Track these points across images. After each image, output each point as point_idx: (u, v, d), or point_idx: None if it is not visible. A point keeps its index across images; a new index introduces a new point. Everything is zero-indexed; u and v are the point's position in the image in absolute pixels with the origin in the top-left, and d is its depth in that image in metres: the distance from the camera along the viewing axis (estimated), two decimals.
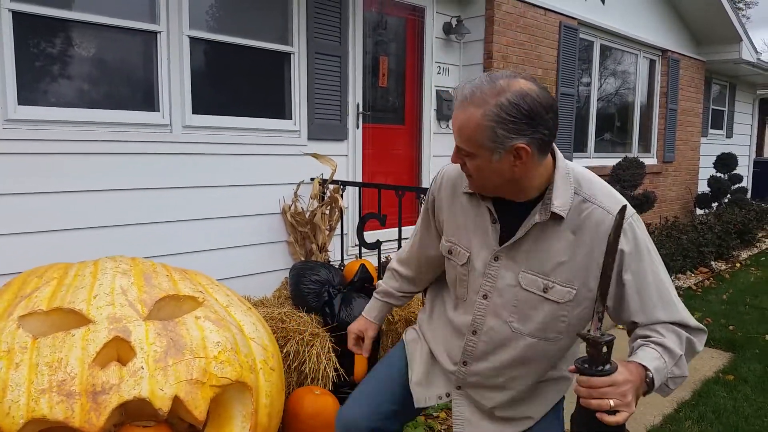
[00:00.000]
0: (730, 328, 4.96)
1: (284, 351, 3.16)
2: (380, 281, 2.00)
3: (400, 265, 1.92)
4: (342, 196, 4.31)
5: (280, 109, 4.46)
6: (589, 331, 1.27)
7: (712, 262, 7.45)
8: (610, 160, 7.07)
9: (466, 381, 1.68)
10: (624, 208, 1.35)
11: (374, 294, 1.98)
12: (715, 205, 9.62)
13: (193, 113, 3.89)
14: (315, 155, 4.28)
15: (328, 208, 4.27)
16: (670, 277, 6.15)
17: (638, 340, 1.43)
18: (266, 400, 2.33)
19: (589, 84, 7.49)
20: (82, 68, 3.52)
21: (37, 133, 3.25)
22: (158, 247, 3.71)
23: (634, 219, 1.46)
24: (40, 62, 3.34)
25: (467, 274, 1.60)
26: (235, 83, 4.23)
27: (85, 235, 3.45)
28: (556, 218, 1.46)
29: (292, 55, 4.43)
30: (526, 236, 1.50)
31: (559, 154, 1.51)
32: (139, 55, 3.74)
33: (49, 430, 2.24)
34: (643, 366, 1.31)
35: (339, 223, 4.39)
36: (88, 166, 3.44)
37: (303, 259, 4.31)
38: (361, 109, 4.94)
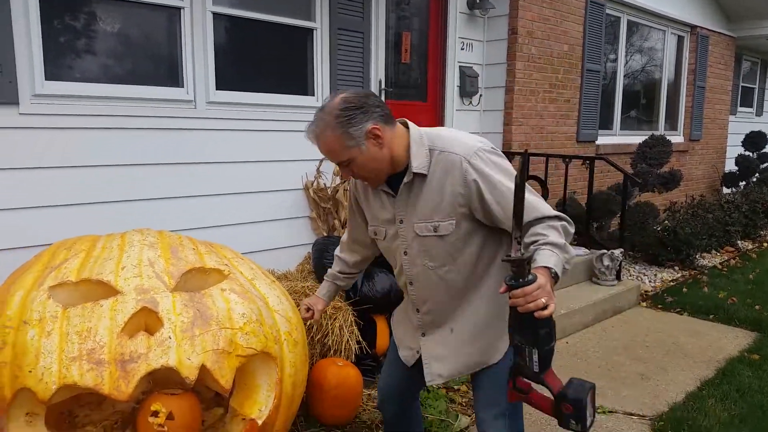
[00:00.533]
0: (756, 307, 4.90)
1: (308, 323, 3.20)
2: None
3: (341, 252, 2.28)
4: None
5: (303, 86, 4.45)
6: (509, 255, 1.51)
7: (739, 242, 7.34)
8: (636, 138, 6.96)
9: (425, 324, 2.01)
10: (478, 151, 1.73)
11: (324, 277, 2.33)
12: (742, 184, 9.44)
13: (216, 89, 3.90)
14: None
15: (348, 182, 4.27)
16: (696, 255, 6.00)
17: (531, 247, 1.68)
18: (291, 370, 2.36)
19: (615, 60, 7.35)
20: (107, 44, 3.54)
21: (64, 108, 3.29)
22: (183, 221, 3.75)
23: (478, 153, 1.75)
24: (66, 38, 3.37)
25: (390, 244, 1.97)
26: (259, 59, 4.23)
27: (111, 209, 3.50)
28: (421, 176, 1.80)
29: (314, 31, 4.41)
30: (407, 195, 1.85)
31: (411, 125, 1.84)
32: (163, 31, 3.75)
33: (79, 397, 2.32)
34: (547, 267, 1.59)
35: None
36: (113, 141, 3.48)
37: (325, 234, 4.33)
38: (383, 86, 4.91)
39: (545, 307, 1.49)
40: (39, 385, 1.95)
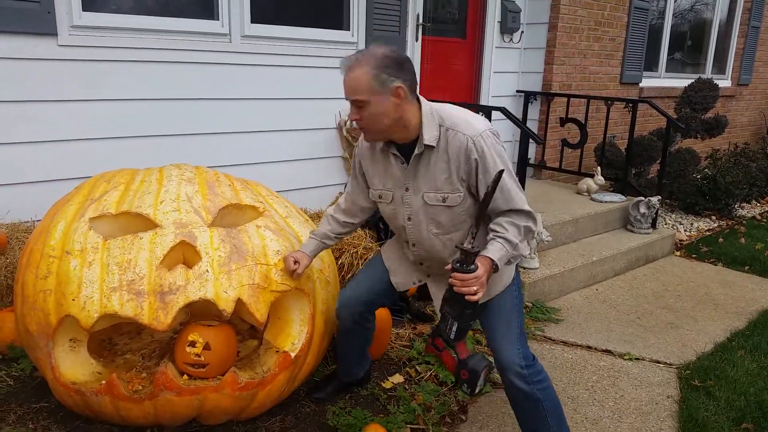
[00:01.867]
0: None
1: (339, 263, 3.24)
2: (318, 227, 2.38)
3: (337, 213, 2.33)
4: None
5: (339, 20, 4.35)
6: (463, 243, 1.81)
7: None
8: (682, 81, 6.67)
9: (430, 272, 2.23)
10: (484, 134, 1.90)
11: (311, 234, 2.33)
12: None
13: (251, 22, 3.84)
14: None
15: None
16: (736, 204, 5.92)
17: (490, 234, 1.92)
18: (323, 307, 2.41)
19: None
20: None
21: (101, 39, 3.28)
22: (218, 157, 3.78)
23: (483, 136, 1.91)
24: None
25: (395, 208, 2.11)
26: None
27: (148, 143, 3.53)
28: (430, 148, 1.94)
29: None
30: (416, 165, 1.99)
31: (423, 100, 1.97)
32: None
33: (119, 326, 2.41)
34: (491, 259, 1.85)
35: None
36: (148, 75, 3.48)
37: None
38: (421, 21, 4.76)
39: (475, 294, 1.80)
40: (82, 313, 2.03)
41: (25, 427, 2.23)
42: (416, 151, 1.96)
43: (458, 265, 1.79)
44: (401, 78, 1.85)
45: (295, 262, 2.20)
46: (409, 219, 2.08)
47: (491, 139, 1.93)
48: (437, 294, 2.22)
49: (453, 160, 1.93)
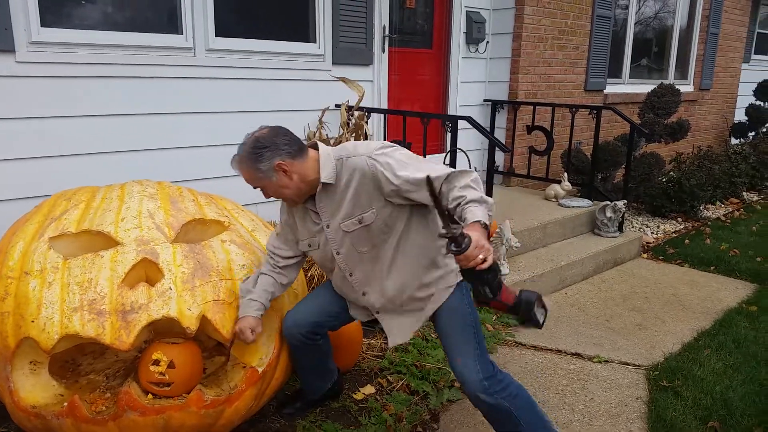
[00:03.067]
0: (758, 259, 4.90)
1: (308, 275, 3.23)
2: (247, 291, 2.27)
3: (272, 271, 2.29)
4: (367, 123, 4.27)
5: (305, 32, 4.35)
6: (445, 232, 1.75)
7: (744, 193, 7.29)
8: (646, 87, 6.81)
9: (374, 306, 2.23)
10: (376, 151, 2.01)
11: (251, 298, 2.21)
12: (751, 134, 9.29)
13: (216, 36, 3.82)
14: (344, 80, 4.21)
15: (353, 135, 4.23)
16: (701, 206, 5.99)
17: (457, 209, 1.88)
18: None
19: (626, 7, 7.13)
20: None
21: (60, 56, 3.24)
22: (182, 171, 3.74)
23: (377, 151, 2.01)
24: None
25: (323, 250, 2.19)
26: (260, 5, 4.12)
27: (109, 159, 3.48)
28: (330, 185, 2.06)
29: None
30: (326, 203, 2.10)
31: (321, 146, 2.09)
32: None
33: (82, 346, 2.36)
34: (478, 221, 1.82)
35: None
36: (111, 90, 3.43)
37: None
38: (387, 32, 4.80)
39: (484, 261, 1.76)
40: (42, 335, 1.99)
41: None
42: (318, 190, 2.07)
43: (454, 247, 1.76)
44: (277, 154, 2.00)
45: (253, 331, 2.17)
46: (338, 253, 2.15)
47: (386, 149, 2.02)
48: (392, 329, 2.26)
49: (358, 183, 2.01)
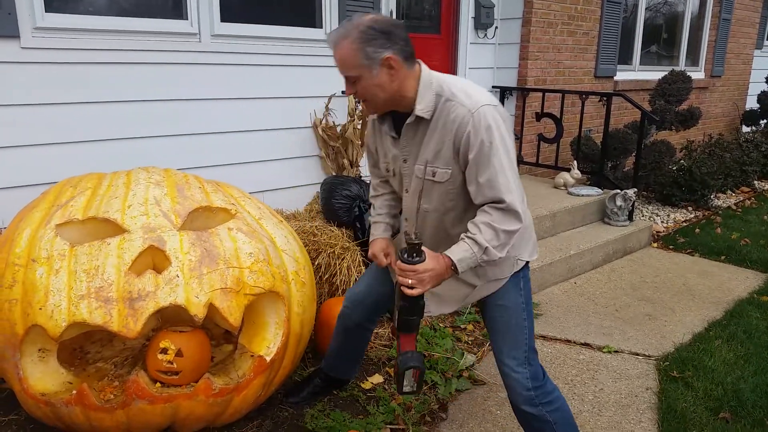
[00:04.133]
0: None
1: (316, 263, 3.21)
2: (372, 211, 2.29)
3: (378, 191, 2.26)
4: None
5: (311, 17, 4.30)
6: (410, 235, 1.74)
7: (755, 182, 7.22)
8: (656, 74, 6.73)
9: None
10: (482, 108, 1.75)
11: (373, 220, 2.22)
12: (763, 122, 9.18)
13: (221, 21, 3.78)
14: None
15: (360, 122, 4.19)
16: (711, 195, 5.88)
17: (462, 234, 1.81)
18: (298, 309, 2.38)
19: None
20: None
21: (65, 41, 3.20)
22: (189, 159, 3.72)
23: (482, 111, 1.76)
24: None
25: (398, 181, 2.04)
26: None
27: (114, 146, 3.46)
28: (425, 120, 1.83)
29: None
30: (411, 136, 1.89)
31: (424, 68, 1.86)
32: None
33: (90, 334, 2.35)
34: (449, 258, 1.76)
35: None
36: (116, 77, 3.40)
37: (334, 173, 4.28)
38: (394, 17, 4.74)
39: (411, 288, 1.73)
40: (49, 323, 1.98)
41: None
42: (408, 121, 1.86)
43: (403, 254, 1.74)
44: (391, 48, 1.74)
45: (386, 255, 2.10)
46: (407, 191, 2.00)
47: (491, 114, 1.77)
48: (428, 300, 2.09)
49: (448, 133, 1.80)
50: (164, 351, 2.07)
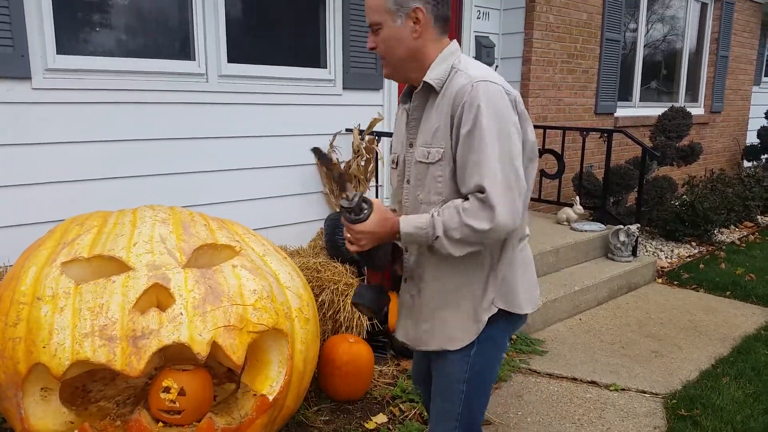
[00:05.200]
0: None
1: (319, 300, 3.20)
2: None
3: None
4: (378, 146, 4.27)
5: (316, 58, 4.39)
6: (346, 195, 1.61)
7: (759, 216, 7.22)
8: (656, 110, 6.81)
9: (407, 269, 1.82)
10: (484, 82, 1.53)
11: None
12: (764, 157, 9.23)
13: (228, 62, 3.86)
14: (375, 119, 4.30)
15: (364, 159, 4.24)
16: (715, 230, 5.80)
17: (433, 209, 1.61)
18: (302, 347, 2.37)
19: (635, 30, 7.16)
20: (118, 17, 3.50)
21: (76, 82, 3.27)
22: (194, 196, 3.75)
23: (482, 85, 1.54)
24: (78, 11, 3.33)
25: (400, 172, 1.81)
26: (271, 31, 4.17)
27: (122, 185, 3.50)
28: (434, 91, 1.64)
29: (327, 1, 4.33)
30: (420, 111, 1.69)
31: (454, 45, 1.68)
32: (174, 4, 3.70)
33: (92, 372, 2.34)
34: (398, 221, 1.61)
35: (374, 175, 4.36)
36: (125, 116, 3.46)
37: (338, 210, 4.31)
38: None
39: (351, 244, 1.64)
40: (53, 361, 1.97)
41: None
42: (417, 89, 1.68)
43: (345, 211, 1.63)
44: (423, 1, 1.60)
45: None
46: (408, 181, 1.75)
47: (493, 91, 1.54)
48: (400, 318, 1.89)
49: (447, 104, 1.60)
50: (167, 390, 2.06)
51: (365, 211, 1.60)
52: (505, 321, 1.70)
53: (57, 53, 3.21)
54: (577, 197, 5.30)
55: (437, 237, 1.56)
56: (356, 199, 1.60)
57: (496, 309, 1.66)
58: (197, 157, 3.79)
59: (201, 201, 3.75)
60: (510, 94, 1.58)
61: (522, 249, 1.72)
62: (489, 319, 1.66)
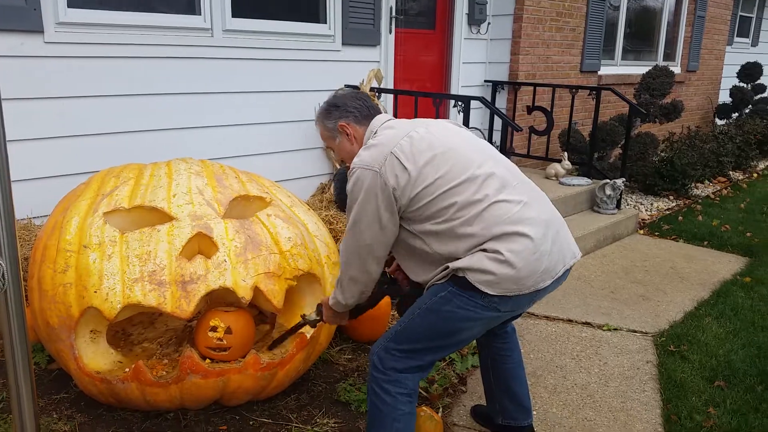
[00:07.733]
0: (747, 234, 5.14)
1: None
2: None
3: None
4: (379, 102, 4.37)
5: (316, 13, 4.43)
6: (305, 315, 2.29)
7: (731, 172, 7.55)
8: (637, 69, 7.02)
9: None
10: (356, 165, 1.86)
11: None
12: (735, 115, 9.57)
13: (233, 16, 3.89)
14: (376, 73, 4.36)
15: None
16: (691, 185, 6.01)
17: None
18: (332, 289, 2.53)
19: None
20: None
21: (86, 36, 3.29)
22: (200, 151, 3.82)
23: (354, 173, 1.86)
24: None
25: None
26: None
27: (128, 139, 3.56)
28: None
29: None
30: None
31: (377, 118, 2.02)
32: None
33: (131, 317, 2.48)
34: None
35: None
36: (133, 71, 3.50)
37: (339, 165, 4.43)
38: (393, 13, 4.89)
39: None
40: (105, 304, 2.10)
41: (49, 417, 2.28)
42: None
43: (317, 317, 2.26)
44: (343, 116, 2.03)
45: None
46: None
47: (357, 177, 1.83)
48: None
49: None
50: (214, 329, 2.21)
51: (321, 317, 2.20)
52: (471, 291, 1.78)
53: (68, 6, 3.22)
54: (566, 153, 5.50)
55: (336, 301, 2.04)
56: (312, 317, 2.27)
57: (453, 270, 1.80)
58: (203, 111, 3.85)
59: (207, 155, 3.82)
60: (377, 173, 1.80)
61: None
62: (457, 280, 1.80)
